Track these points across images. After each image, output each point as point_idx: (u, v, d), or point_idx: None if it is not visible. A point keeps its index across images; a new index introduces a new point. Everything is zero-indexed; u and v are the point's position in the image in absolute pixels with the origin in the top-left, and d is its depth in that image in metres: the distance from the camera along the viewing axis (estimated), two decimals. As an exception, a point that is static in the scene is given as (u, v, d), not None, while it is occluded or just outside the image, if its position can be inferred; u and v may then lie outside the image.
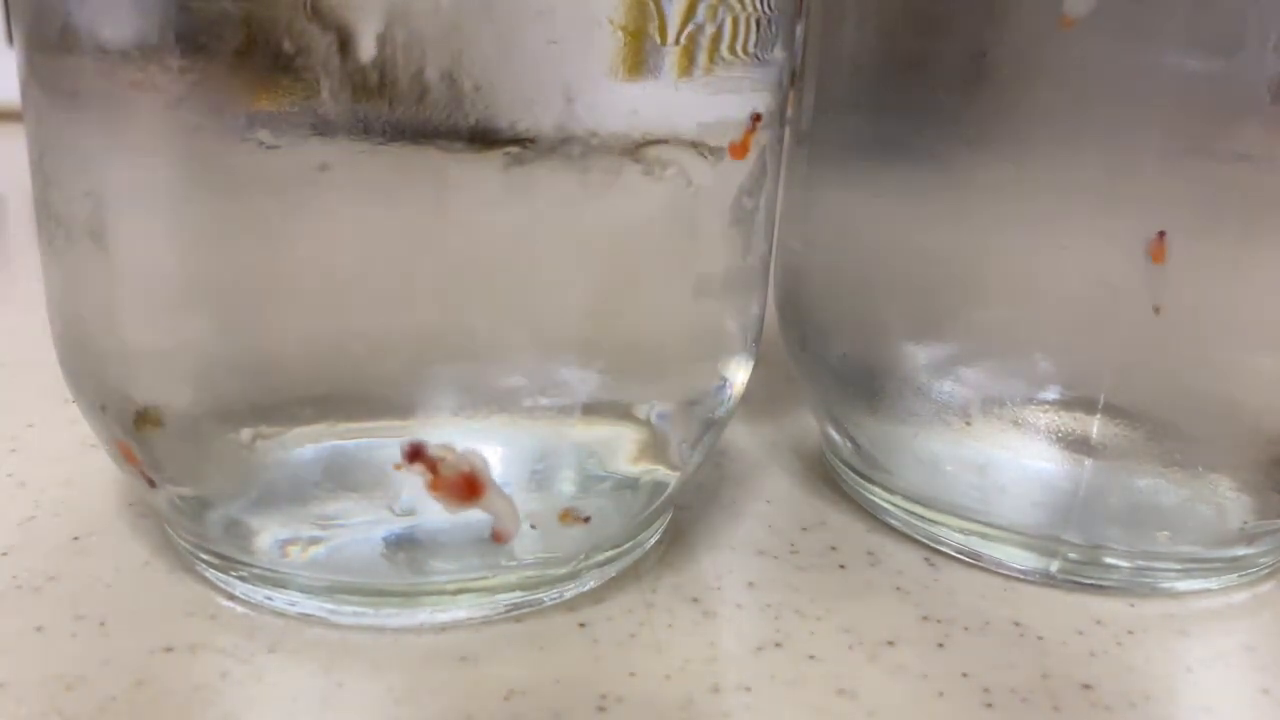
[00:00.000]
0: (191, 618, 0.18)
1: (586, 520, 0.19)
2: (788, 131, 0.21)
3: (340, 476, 0.17)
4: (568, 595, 0.19)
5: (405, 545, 0.18)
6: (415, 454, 0.17)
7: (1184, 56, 0.18)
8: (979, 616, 0.20)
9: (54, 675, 0.17)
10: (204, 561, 0.19)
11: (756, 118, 0.17)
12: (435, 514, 0.17)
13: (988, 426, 0.21)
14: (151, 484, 0.18)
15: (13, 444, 0.25)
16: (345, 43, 0.14)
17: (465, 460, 0.17)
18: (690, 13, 0.16)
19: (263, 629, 0.18)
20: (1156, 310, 0.18)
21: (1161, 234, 0.18)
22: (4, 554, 0.20)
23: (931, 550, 0.22)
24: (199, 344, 0.16)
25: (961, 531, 0.22)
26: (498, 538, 0.18)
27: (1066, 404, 0.20)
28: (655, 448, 0.19)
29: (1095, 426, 0.20)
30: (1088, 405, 0.20)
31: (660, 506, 0.20)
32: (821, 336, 0.24)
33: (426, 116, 0.15)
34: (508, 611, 0.19)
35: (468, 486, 0.17)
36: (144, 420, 0.17)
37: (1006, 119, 0.19)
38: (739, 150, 0.17)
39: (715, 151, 0.17)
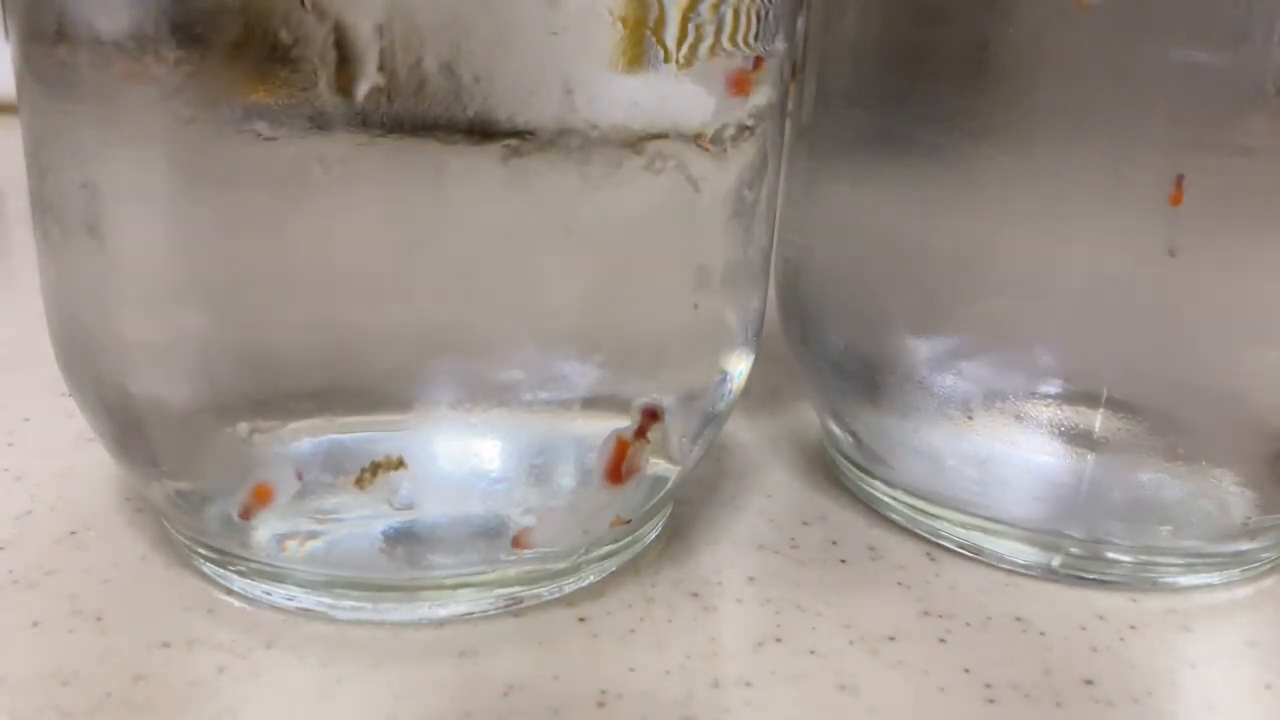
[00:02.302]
0: (189, 613, 0.18)
1: (629, 522, 0.19)
2: (788, 124, 0.21)
3: (338, 471, 0.17)
4: (567, 590, 0.19)
5: (404, 540, 0.17)
6: (652, 416, 0.18)
7: (1188, 49, 0.17)
8: (981, 611, 0.20)
9: (51, 670, 0.17)
10: (201, 556, 0.19)
11: (759, 60, 0.17)
12: (434, 508, 0.17)
13: (989, 421, 0.21)
14: (245, 516, 0.18)
15: (9, 438, 0.25)
16: (343, 33, 0.14)
17: (648, 463, 0.18)
18: (691, 5, 0.16)
19: (261, 624, 0.18)
20: (1172, 253, 0.18)
21: (1180, 177, 0.17)
22: (0, 548, 0.20)
23: (933, 545, 0.22)
24: (196, 337, 0.16)
25: (963, 526, 0.22)
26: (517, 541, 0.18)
27: (1069, 398, 0.20)
28: (655, 442, 0.19)
29: (1098, 421, 0.20)
30: (1090, 399, 0.20)
31: (660, 501, 0.20)
32: (822, 330, 0.23)
33: (425, 108, 0.15)
34: (507, 606, 0.19)
35: (627, 473, 0.18)
36: (383, 467, 0.17)
37: (1008, 111, 0.19)
38: (738, 87, 0.17)
39: (716, 141, 0.17)
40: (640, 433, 0.18)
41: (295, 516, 0.17)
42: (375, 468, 0.17)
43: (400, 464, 0.17)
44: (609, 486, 0.18)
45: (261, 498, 0.17)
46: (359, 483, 0.17)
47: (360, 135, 0.15)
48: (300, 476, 0.17)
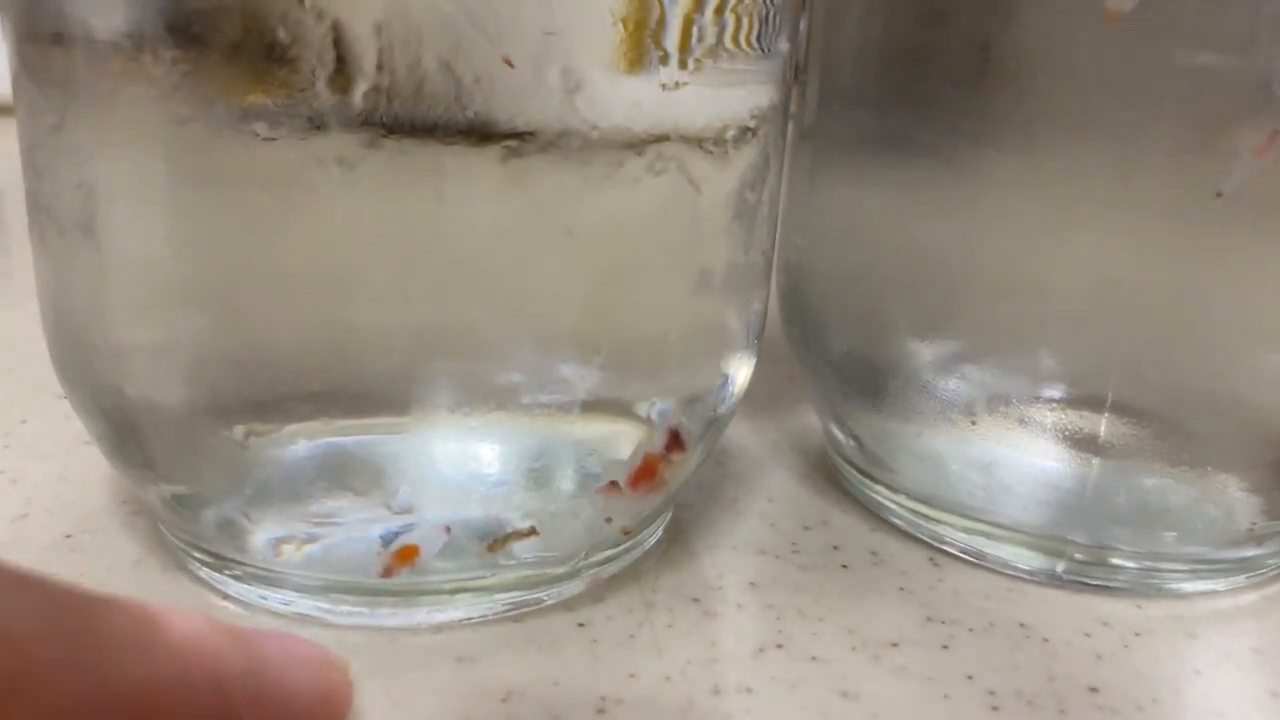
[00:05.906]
0: (185, 617, 0.18)
1: (629, 532, 0.19)
2: (791, 126, 0.21)
3: (336, 474, 0.17)
4: (567, 595, 0.19)
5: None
6: (675, 440, 0.18)
7: (1194, 52, 0.17)
8: (984, 617, 0.20)
9: (45, 676, 0.16)
10: (197, 560, 0.19)
11: None
12: (433, 512, 0.17)
13: (993, 425, 0.21)
14: (386, 575, 0.18)
15: (5, 440, 0.24)
16: (341, 33, 0.14)
17: (678, 474, 0.19)
18: (694, 7, 0.16)
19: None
20: (1219, 195, 0.18)
21: (1275, 132, 0.17)
22: (-4, 552, 0.20)
23: (935, 550, 0.22)
24: (192, 339, 0.16)
25: (966, 531, 0.22)
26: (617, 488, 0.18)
27: (1073, 402, 0.20)
28: (679, 463, 0.19)
29: (1102, 425, 0.20)
30: (1095, 404, 0.20)
31: (661, 505, 0.20)
32: (824, 333, 0.23)
33: (424, 109, 0.15)
34: (506, 611, 0.19)
35: (659, 482, 0.19)
36: (514, 536, 0.17)
37: (1012, 114, 0.19)
38: None
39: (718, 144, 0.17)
40: (668, 451, 0.18)
41: (292, 520, 0.17)
42: (507, 537, 0.17)
43: (532, 531, 0.17)
44: (629, 479, 0.18)
45: (406, 557, 0.17)
46: (491, 548, 0.17)
47: (359, 136, 0.15)
48: (449, 530, 0.17)
